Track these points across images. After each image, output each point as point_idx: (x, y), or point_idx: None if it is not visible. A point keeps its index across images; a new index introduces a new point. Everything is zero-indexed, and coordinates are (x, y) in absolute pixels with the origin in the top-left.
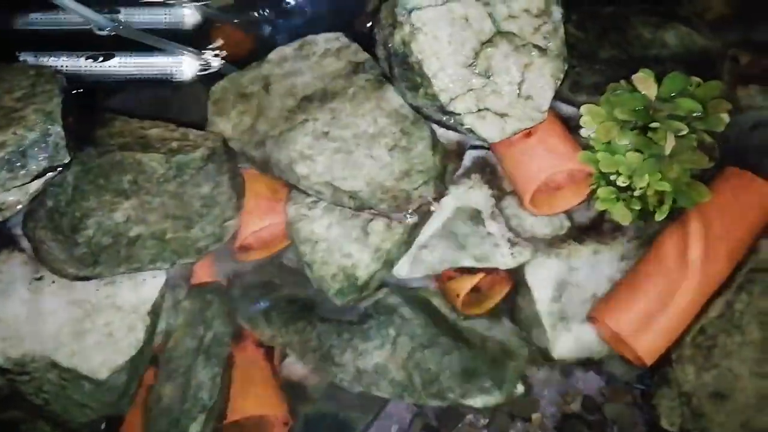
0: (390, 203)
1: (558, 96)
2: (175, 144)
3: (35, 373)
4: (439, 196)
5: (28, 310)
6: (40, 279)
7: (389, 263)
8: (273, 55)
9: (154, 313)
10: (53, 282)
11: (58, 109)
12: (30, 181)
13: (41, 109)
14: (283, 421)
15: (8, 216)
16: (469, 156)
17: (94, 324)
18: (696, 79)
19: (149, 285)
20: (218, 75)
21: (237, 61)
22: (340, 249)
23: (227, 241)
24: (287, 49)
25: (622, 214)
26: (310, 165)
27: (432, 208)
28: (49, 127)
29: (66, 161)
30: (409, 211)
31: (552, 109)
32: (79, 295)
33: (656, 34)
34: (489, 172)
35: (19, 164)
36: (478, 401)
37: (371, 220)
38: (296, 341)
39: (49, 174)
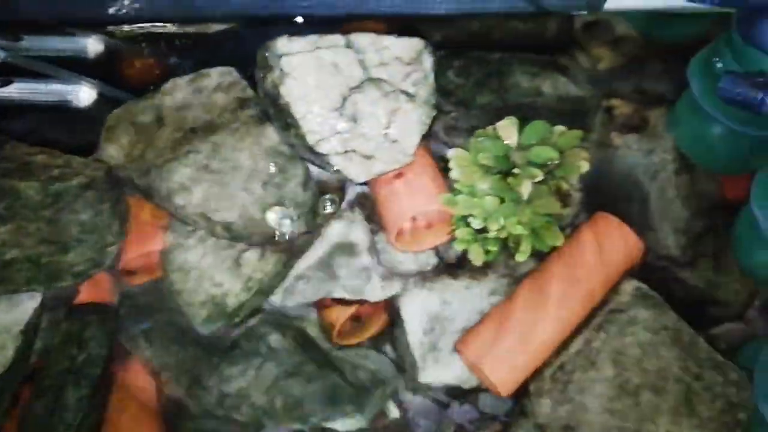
0: (260, 236)
1: (435, 138)
2: (56, 171)
3: None
4: (309, 231)
5: None
6: None
7: (262, 293)
8: (167, 86)
9: (27, 332)
10: None
11: None
12: None
13: None
14: None
15: None
16: (353, 192)
17: None
18: (560, 128)
19: (24, 306)
20: (114, 103)
21: (138, 90)
22: (211, 278)
23: (108, 265)
24: (181, 81)
25: (476, 255)
26: (187, 196)
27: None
28: None
29: None
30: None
31: (427, 150)
32: None
33: (533, 83)
34: (369, 207)
35: None
36: (339, 425)
37: (246, 250)
38: (172, 363)
39: None
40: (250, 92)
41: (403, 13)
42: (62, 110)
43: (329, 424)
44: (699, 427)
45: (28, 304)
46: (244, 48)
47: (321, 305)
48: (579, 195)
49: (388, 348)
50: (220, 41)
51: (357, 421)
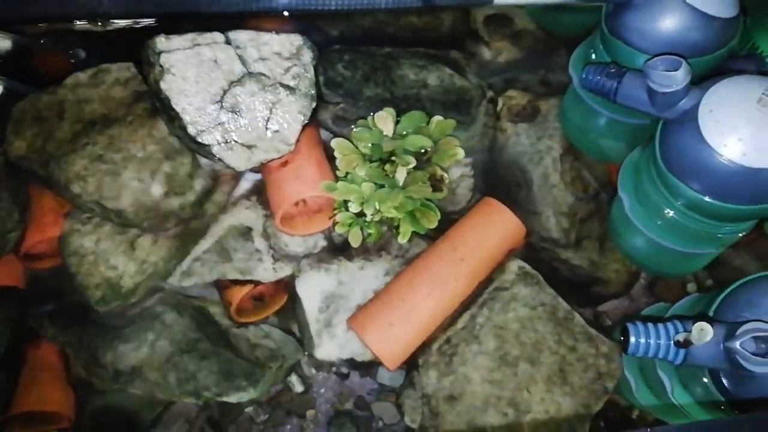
0: (151, 222)
1: (325, 127)
2: None
3: None
4: (196, 217)
5: None
6: None
7: (157, 275)
8: (69, 80)
9: None
10: None
11: None
12: None
13: None
14: (67, 417)
15: None
16: (249, 179)
17: None
18: (437, 118)
19: None
20: (21, 96)
21: (43, 84)
22: (106, 262)
23: (9, 250)
24: (82, 75)
25: (354, 237)
26: (83, 185)
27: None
28: None
29: None
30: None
31: (316, 139)
32: None
33: (419, 75)
34: (265, 193)
35: None
36: (233, 398)
37: (140, 236)
38: (74, 342)
39: None
40: (144, 86)
41: (297, 9)
42: None
43: (223, 398)
44: (570, 395)
45: None
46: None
47: (221, 285)
48: (471, 181)
49: (295, 327)
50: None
51: (249, 394)
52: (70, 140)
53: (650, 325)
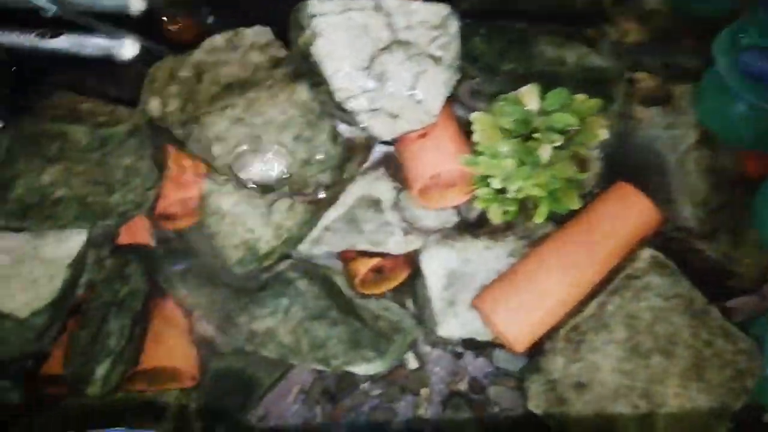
0: (290, 187)
1: (459, 102)
2: (102, 118)
3: None
4: (333, 183)
5: None
6: None
7: (291, 241)
8: (206, 44)
9: (74, 266)
10: None
11: None
12: None
13: None
14: (191, 375)
15: None
16: (378, 150)
17: (20, 271)
18: (581, 96)
19: (72, 241)
20: (156, 57)
21: (177, 46)
22: (244, 224)
23: (148, 208)
24: (219, 39)
25: (495, 214)
26: (224, 147)
27: (320, 195)
28: None
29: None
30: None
31: (451, 113)
32: (9, 244)
33: (558, 52)
34: (394, 166)
35: None
36: (360, 369)
37: (276, 200)
38: (204, 302)
39: None
40: (284, 51)
41: None
42: (106, 63)
43: (350, 368)
44: (706, 392)
45: (75, 240)
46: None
47: (346, 256)
48: (599, 164)
49: (409, 302)
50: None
51: (376, 366)
52: (209, 102)
53: None
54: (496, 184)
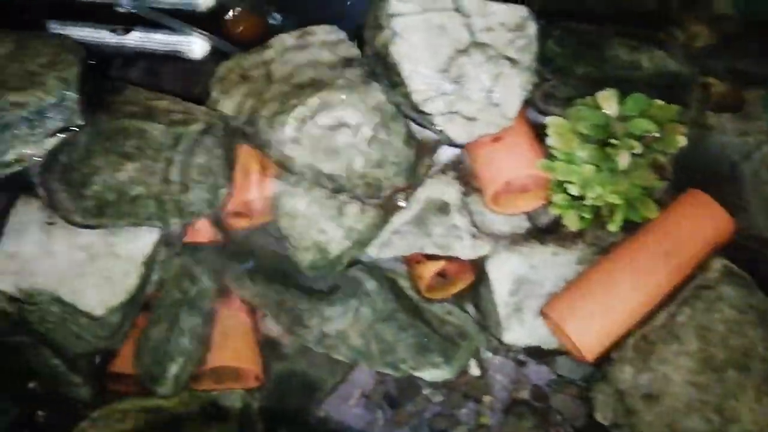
0: (364, 189)
1: (532, 105)
2: (177, 116)
3: (41, 304)
4: (407, 187)
5: (39, 250)
6: (51, 223)
7: (361, 243)
8: (275, 42)
9: (148, 264)
10: (63, 227)
11: (75, 77)
12: (46, 139)
13: (60, 77)
14: (255, 375)
15: (25, 166)
16: (445, 153)
17: (95, 267)
18: (658, 102)
19: (145, 239)
20: (224, 55)
21: (243, 44)
22: (316, 225)
23: (219, 207)
24: (288, 38)
25: (572, 221)
26: (296, 147)
27: (399, 203)
28: (66, 93)
29: (80, 123)
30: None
31: (523, 117)
32: (84, 241)
33: (632, 56)
34: (462, 169)
35: (37, 123)
36: (427, 375)
37: (347, 202)
38: (273, 302)
39: (64, 133)
40: (355, 51)
41: None
42: (171, 59)
43: (417, 373)
44: None
45: (149, 237)
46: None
47: (411, 259)
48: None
49: (469, 307)
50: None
51: (444, 373)
52: (280, 101)
53: None
54: (574, 190)
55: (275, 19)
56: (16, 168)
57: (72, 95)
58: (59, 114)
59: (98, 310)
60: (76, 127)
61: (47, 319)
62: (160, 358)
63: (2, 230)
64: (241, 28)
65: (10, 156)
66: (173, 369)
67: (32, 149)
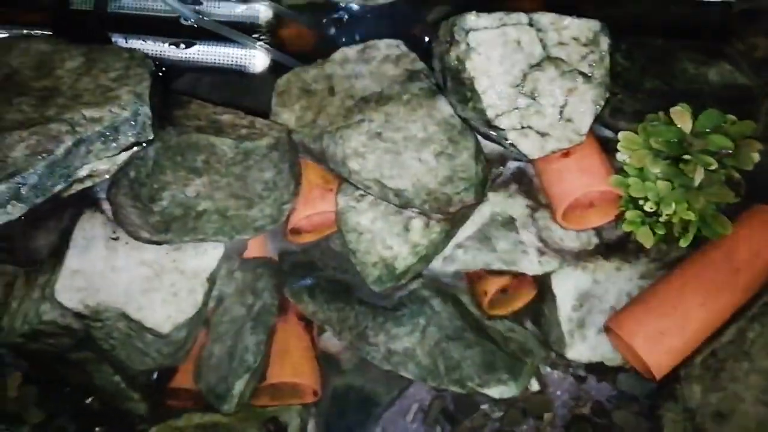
0: (432, 204)
1: (599, 120)
2: (244, 131)
3: (107, 321)
4: (477, 203)
5: (104, 266)
6: (116, 239)
7: (425, 258)
8: (337, 55)
9: (212, 280)
10: (127, 243)
11: (147, 91)
12: (118, 154)
13: (133, 91)
14: (313, 391)
15: (98, 182)
16: (510, 167)
17: (161, 284)
18: (731, 117)
19: (209, 255)
20: (282, 68)
21: (301, 57)
22: (383, 241)
23: (281, 222)
24: (350, 51)
25: (645, 237)
26: (362, 162)
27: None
28: (140, 107)
29: (150, 138)
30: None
31: (591, 131)
32: (149, 257)
33: (700, 70)
34: (526, 183)
35: (111, 138)
36: (494, 392)
37: (413, 218)
38: (335, 318)
39: (135, 148)
40: (420, 64)
41: None
42: (232, 73)
43: (485, 390)
44: None
45: (213, 253)
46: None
47: (473, 275)
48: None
49: (527, 323)
50: (380, 14)
51: (510, 390)
52: (344, 116)
53: None
54: (649, 206)
55: (332, 32)
56: (88, 184)
57: (145, 110)
58: (132, 129)
59: (165, 327)
60: (147, 141)
61: (112, 335)
62: (226, 375)
63: (67, 246)
64: (297, 41)
65: (84, 171)
66: (238, 386)
67: (105, 165)
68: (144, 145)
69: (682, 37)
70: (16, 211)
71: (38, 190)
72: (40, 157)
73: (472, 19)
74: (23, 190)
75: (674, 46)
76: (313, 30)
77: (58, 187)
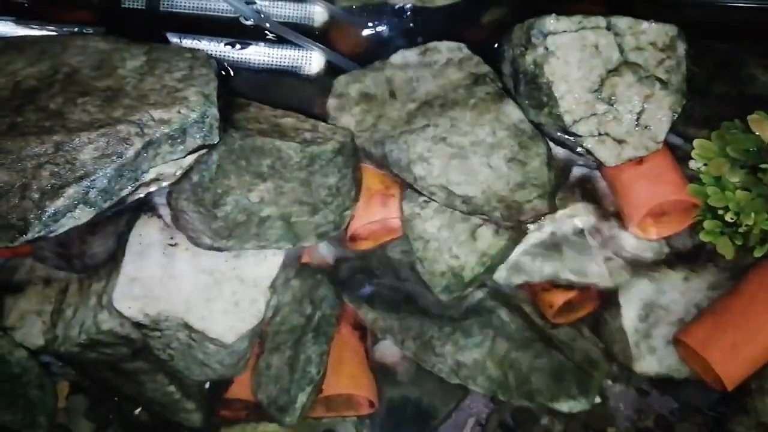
0: (502, 212)
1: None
2: (307, 135)
3: (167, 330)
4: (551, 211)
5: (162, 273)
6: (174, 245)
7: (492, 268)
8: (396, 58)
9: (273, 288)
10: (186, 249)
11: (215, 92)
12: (185, 157)
13: (201, 92)
14: (370, 402)
15: (164, 185)
16: (575, 173)
17: (221, 292)
18: None
19: (269, 262)
20: (338, 71)
21: (356, 59)
22: (449, 250)
23: (343, 229)
24: (410, 54)
25: (726, 248)
26: (428, 167)
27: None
28: (208, 108)
29: (216, 141)
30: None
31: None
32: (208, 264)
33: None
34: (592, 190)
35: (179, 140)
36: (564, 406)
37: (480, 225)
38: (397, 327)
39: (201, 151)
40: (485, 68)
41: None
42: (288, 74)
43: (554, 405)
44: None
45: (272, 260)
46: (457, 23)
47: (538, 285)
48: None
49: (585, 332)
50: (439, 16)
51: (581, 404)
52: (406, 120)
53: None
54: (730, 217)
55: (386, 35)
56: (154, 188)
57: (213, 111)
58: (199, 131)
59: (228, 338)
60: (212, 144)
61: (171, 345)
62: (288, 387)
63: (123, 252)
64: (353, 43)
65: (151, 175)
66: (301, 398)
67: (171, 168)
68: (208, 148)
69: (746, 42)
70: (84, 215)
71: (106, 194)
72: (109, 159)
73: (551, 22)
74: (91, 194)
75: (743, 51)
76: (367, 32)
77: (125, 191)
